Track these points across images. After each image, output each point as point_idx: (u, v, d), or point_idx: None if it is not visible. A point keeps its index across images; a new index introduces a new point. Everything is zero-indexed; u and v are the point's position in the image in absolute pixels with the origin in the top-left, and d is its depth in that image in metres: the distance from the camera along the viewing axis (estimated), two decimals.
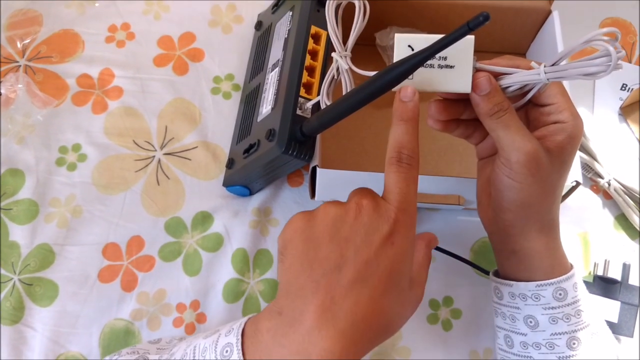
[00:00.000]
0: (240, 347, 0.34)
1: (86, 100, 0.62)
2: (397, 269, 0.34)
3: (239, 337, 0.34)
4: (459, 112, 0.42)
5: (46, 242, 0.55)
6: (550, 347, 0.42)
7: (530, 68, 0.38)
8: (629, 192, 0.59)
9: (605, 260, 0.57)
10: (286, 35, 0.56)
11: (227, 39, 0.67)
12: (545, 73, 0.37)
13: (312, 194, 0.56)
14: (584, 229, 0.59)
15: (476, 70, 0.38)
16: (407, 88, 0.37)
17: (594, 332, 0.42)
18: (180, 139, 0.61)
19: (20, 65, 0.63)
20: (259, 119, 0.54)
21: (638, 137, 0.63)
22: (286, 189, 0.59)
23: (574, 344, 0.42)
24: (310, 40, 0.52)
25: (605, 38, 0.33)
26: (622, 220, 0.60)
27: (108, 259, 0.55)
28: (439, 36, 0.34)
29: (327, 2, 0.45)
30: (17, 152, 0.59)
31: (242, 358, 0.33)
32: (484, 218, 0.45)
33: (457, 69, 0.38)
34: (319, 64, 0.52)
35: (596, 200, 0.61)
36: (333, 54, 0.45)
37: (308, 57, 0.52)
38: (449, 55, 0.37)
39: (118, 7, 0.67)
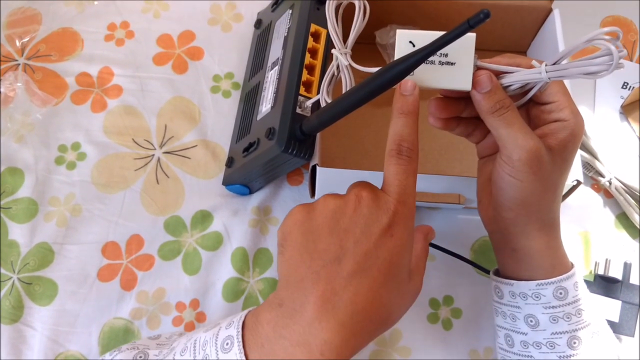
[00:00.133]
0: (240, 340, 0.34)
1: (85, 98, 0.62)
2: (396, 261, 0.35)
3: (240, 329, 0.34)
4: (460, 109, 0.42)
5: (45, 241, 0.55)
6: (551, 346, 0.42)
7: (531, 67, 0.38)
8: (630, 190, 0.58)
9: (606, 260, 0.56)
10: (286, 34, 0.56)
11: (226, 37, 0.67)
12: (546, 72, 0.36)
13: (312, 192, 0.55)
14: (584, 228, 0.59)
15: (477, 68, 0.38)
16: (407, 82, 0.37)
17: (595, 332, 0.42)
18: (180, 138, 0.61)
19: (19, 64, 0.63)
20: (258, 118, 0.54)
21: (639, 136, 0.63)
22: (286, 188, 0.59)
23: (574, 343, 0.41)
24: (310, 39, 0.52)
25: (607, 37, 0.33)
26: (623, 219, 0.59)
27: (107, 258, 0.55)
28: (440, 33, 0.33)
29: (327, 1, 0.45)
30: (17, 150, 0.59)
31: (242, 350, 0.33)
32: (484, 217, 0.45)
33: (458, 66, 0.37)
34: (318, 62, 0.52)
35: (597, 199, 0.61)
36: (333, 51, 0.45)
37: (308, 55, 0.51)
38: (450, 52, 0.37)
39: (117, 5, 0.67)
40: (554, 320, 0.42)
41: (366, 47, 0.59)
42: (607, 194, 0.61)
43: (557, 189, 0.42)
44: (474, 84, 0.38)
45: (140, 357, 0.41)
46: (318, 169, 0.50)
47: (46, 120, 0.60)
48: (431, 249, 0.54)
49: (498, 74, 0.39)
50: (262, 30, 0.63)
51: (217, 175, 0.59)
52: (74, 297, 0.53)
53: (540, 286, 0.42)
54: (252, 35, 0.66)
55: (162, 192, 0.58)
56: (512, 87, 0.39)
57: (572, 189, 0.53)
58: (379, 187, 0.37)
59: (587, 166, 0.60)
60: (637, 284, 0.55)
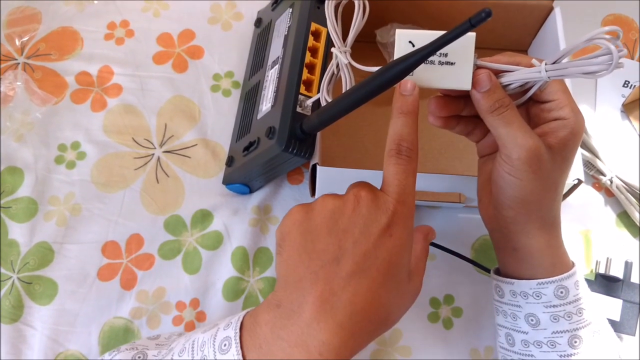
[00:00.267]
0: (238, 341, 0.34)
1: (85, 98, 0.62)
2: (395, 261, 0.34)
3: (237, 330, 0.34)
4: (459, 108, 0.42)
5: (45, 240, 0.55)
6: (552, 345, 0.42)
7: (531, 65, 0.38)
8: (631, 189, 0.58)
9: (607, 258, 0.56)
10: (286, 32, 0.56)
11: (226, 36, 0.67)
12: (546, 71, 0.36)
13: (313, 191, 0.55)
14: (585, 227, 0.59)
15: (477, 67, 0.38)
16: (407, 82, 0.37)
17: (596, 331, 0.42)
18: (180, 137, 0.60)
19: (19, 63, 0.63)
20: (258, 117, 0.54)
21: None
22: (286, 187, 0.59)
23: (575, 342, 0.41)
24: (311, 38, 0.52)
25: (607, 36, 0.33)
26: (624, 217, 0.59)
27: (107, 257, 0.55)
28: (440, 32, 0.33)
29: (326, 0, 0.45)
30: (16, 150, 0.59)
31: (240, 351, 0.33)
32: (485, 216, 0.45)
33: (457, 66, 0.37)
34: (319, 61, 0.52)
35: (598, 197, 0.60)
36: (333, 49, 0.45)
37: (308, 54, 0.51)
38: (450, 52, 0.37)
39: (117, 4, 0.67)
40: (555, 319, 0.41)
41: (366, 46, 0.59)
42: (608, 192, 0.61)
43: (557, 187, 0.42)
44: (474, 83, 0.38)
45: (139, 357, 0.40)
46: (318, 168, 0.50)
47: (46, 119, 0.60)
48: (432, 248, 0.54)
49: (497, 73, 0.39)
50: (262, 29, 0.63)
51: (217, 175, 0.59)
52: (74, 297, 0.53)
53: (541, 285, 0.42)
54: (252, 34, 0.66)
55: (162, 192, 0.58)
56: (512, 86, 0.39)
57: (573, 187, 0.52)
58: (379, 186, 0.37)
59: (588, 165, 0.60)
60: (638, 282, 0.55)
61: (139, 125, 0.61)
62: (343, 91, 0.41)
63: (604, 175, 0.59)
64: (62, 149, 0.59)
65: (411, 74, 0.37)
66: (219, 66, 0.65)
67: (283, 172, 0.57)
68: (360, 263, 0.33)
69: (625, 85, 0.66)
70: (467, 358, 0.53)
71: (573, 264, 0.43)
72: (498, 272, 0.47)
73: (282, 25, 0.57)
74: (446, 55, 0.37)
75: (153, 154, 0.59)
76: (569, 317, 0.41)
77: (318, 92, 0.49)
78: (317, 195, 0.54)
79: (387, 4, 0.59)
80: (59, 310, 0.52)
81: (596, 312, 0.43)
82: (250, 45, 0.65)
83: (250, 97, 0.58)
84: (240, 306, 0.54)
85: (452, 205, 0.56)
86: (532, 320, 0.43)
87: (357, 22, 0.44)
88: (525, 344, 0.44)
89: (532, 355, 0.43)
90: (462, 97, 0.42)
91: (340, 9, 0.46)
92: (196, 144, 0.60)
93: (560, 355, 0.42)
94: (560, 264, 0.42)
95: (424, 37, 0.35)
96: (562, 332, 0.41)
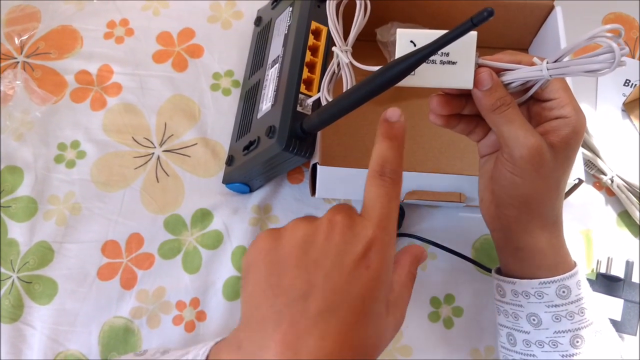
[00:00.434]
0: None
1: (85, 96, 0.62)
2: (371, 295, 0.31)
3: None
4: (460, 106, 0.42)
5: (45, 239, 0.55)
6: (554, 345, 0.42)
7: (532, 64, 0.38)
8: (632, 188, 0.58)
9: (608, 258, 0.56)
10: (286, 31, 0.55)
11: (226, 35, 0.66)
12: (547, 70, 0.36)
13: (313, 191, 0.55)
14: (586, 226, 0.59)
15: (478, 65, 0.38)
16: (394, 109, 0.35)
17: (598, 330, 0.42)
18: (180, 136, 0.60)
19: (18, 62, 0.63)
20: (258, 116, 0.54)
21: None
22: (286, 186, 0.59)
23: (577, 342, 0.41)
24: (311, 36, 0.52)
25: (609, 35, 0.33)
26: (625, 217, 0.59)
27: (107, 257, 0.55)
28: (441, 32, 0.33)
29: (328, 0, 0.45)
30: (16, 149, 0.58)
31: None
32: (486, 215, 0.45)
33: (459, 65, 0.37)
34: (319, 60, 0.52)
35: (599, 197, 0.60)
36: (334, 48, 0.45)
37: (308, 53, 0.51)
38: (451, 51, 0.37)
39: (117, 3, 0.67)
40: (557, 318, 0.41)
41: (367, 45, 0.59)
42: (609, 192, 0.60)
43: (559, 186, 0.41)
44: (475, 81, 0.38)
45: None
46: (319, 167, 0.50)
47: (45, 118, 0.60)
48: (433, 247, 0.54)
49: (499, 72, 0.39)
50: (262, 27, 0.63)
51: (217, 174, 0.59)
52: (74, 296, 0.53)
53: (543, 285, 0.41)
54: (252, 33, 0.66)
55: (162, 191, 0.58)
56: (513, 85, 0.39)
57: (574, 187, 0.52)
58: None
59: (589, 164, 0.60)
60: (639, 282, 0.54)
61: (138, 124, 0.61)
62: (344, 90, 0.41)
63: (604, 174, 0.59)
64: (61, 148, 0.59)
65: (412, 73, 0.37)
66: (219, 65, 0.64)
67: (283, 172, 0.57)
68: (330, 300, 0.29)
69: (626, 84, 0.66)
70: (468, 358, 0.53)
71: (575, 264, 0.43)
72: (499, 272, 0.46)
73: (282, 23, 0.57)
74: (448, 54, 0.37)
75: (153, 153, 0.59)
76: (570, 316, 0.41)
77: (318, 91, 0.49)
78: (317, 194, 0.54)
79: (388, 3, 0.59)
80: (58, 310, 0.52)
81: (598, 312, 0.43)
82: (250, 44, 0.65)
83: (250, 96, 0.58)
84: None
85: (452, 204, 0.56)
86: (534, 319, 0.42)
87: (359, 21, 0.44)
88: (527, 344, 0.43)
89: (533, 355, 0.43)
90: (463, 96, 0.41)
91: (341, 8, 0.46)
92: (196, 143, 0.60)
93: (562, 355, 0.42)
94: (562, 264, 0.42)
95: (426, 36, 0.35)
96: (564, 332, 0.41)
